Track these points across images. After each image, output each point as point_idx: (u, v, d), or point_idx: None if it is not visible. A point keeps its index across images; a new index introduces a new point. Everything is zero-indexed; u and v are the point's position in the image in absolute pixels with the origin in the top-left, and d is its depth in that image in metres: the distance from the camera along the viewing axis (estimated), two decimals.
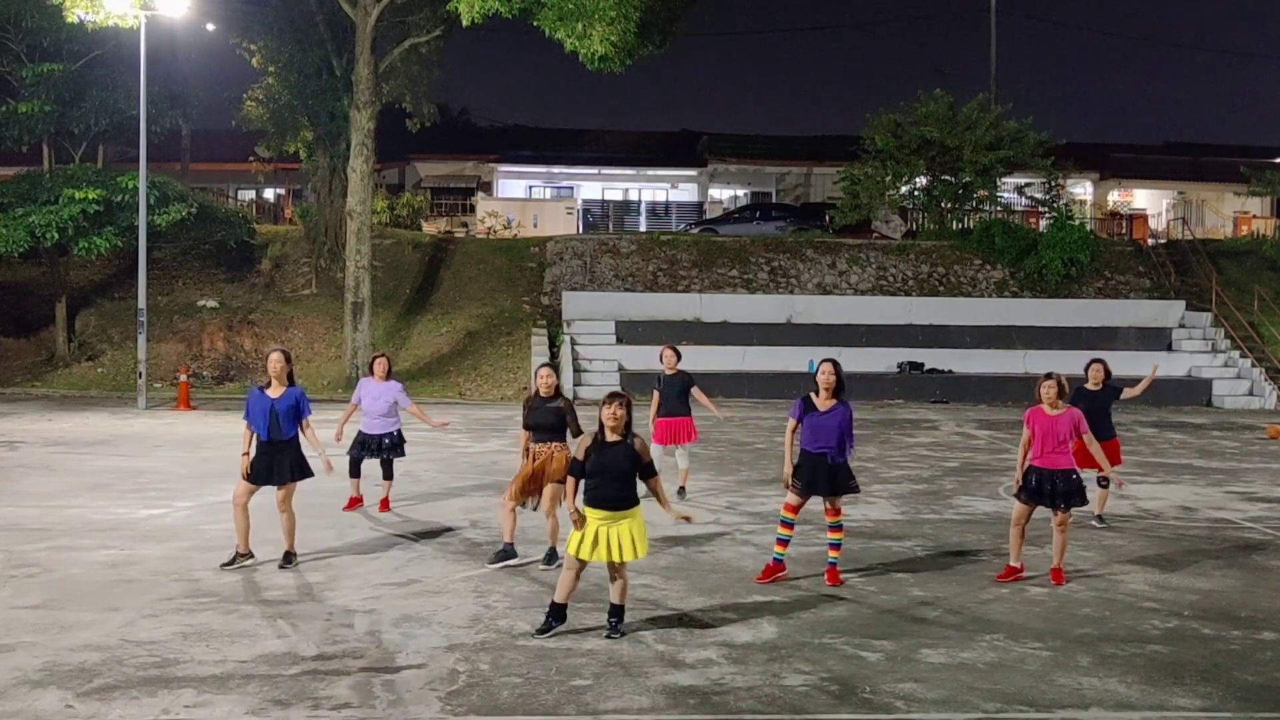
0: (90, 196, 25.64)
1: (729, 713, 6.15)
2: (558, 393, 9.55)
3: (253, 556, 9.30)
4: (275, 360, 9.33)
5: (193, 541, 10.27)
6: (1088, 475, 9.78)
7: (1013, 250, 33.33)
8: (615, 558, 7.26)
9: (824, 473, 8.91)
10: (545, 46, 36.83)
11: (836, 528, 9.07)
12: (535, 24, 24.68)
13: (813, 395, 9.04)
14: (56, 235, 25.79)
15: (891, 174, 35.77)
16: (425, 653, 7.07)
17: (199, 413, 22.46)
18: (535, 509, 9.49)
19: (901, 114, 36.07)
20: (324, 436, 12.13)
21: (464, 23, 24.32)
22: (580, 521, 7.24)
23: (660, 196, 46.98)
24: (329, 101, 29.91)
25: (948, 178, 36.21)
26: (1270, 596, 8.95)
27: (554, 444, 9.32)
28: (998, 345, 30.07)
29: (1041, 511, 9.30)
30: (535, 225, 37.72)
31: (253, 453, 9.24)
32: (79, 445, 17.18)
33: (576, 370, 27.56)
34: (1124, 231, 41.67)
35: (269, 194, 44.55)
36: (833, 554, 9.10)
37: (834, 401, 8.96)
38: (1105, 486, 11.90)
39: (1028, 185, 37.09)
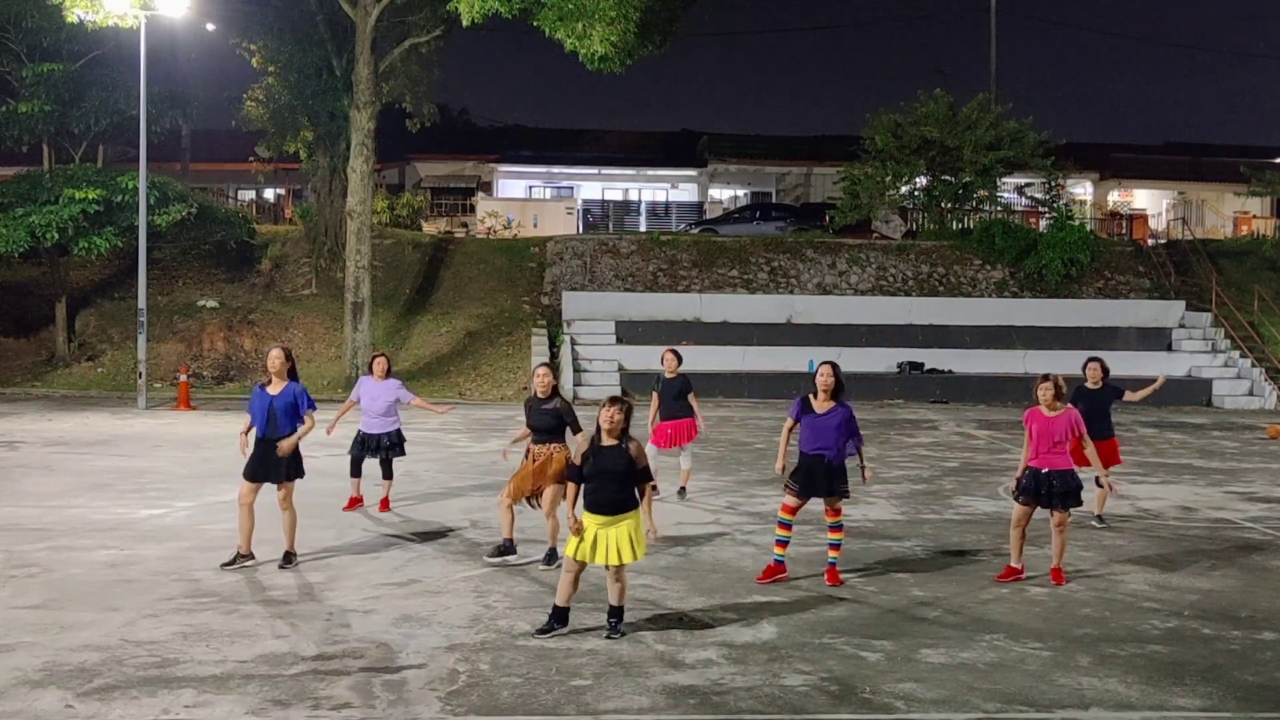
0: (90, 196, 25.64)
1: (729, 713, 6.15)
2: (555, 393, 9.52)
3: (253, 558, 9.30)
4: (274, 357, 9.34)
5: (193, 541, 10.27)
6: (1087, 475, 9.77)
7: (1013, 250, 33.34)
8: (613, 560, 7.27)
9: (821, 474, 8.91)
10: (545, 46, 36.85)
11: (836, 528, 9.07)
12: (535, 24, 24.68)
13: (811, 397, 9.05)
14: (56, 235, 25.78)
15: (891, 174, 35.77)
16: (425, 653, 7.07)
17: (199, 413, 22.46)
18: (536, 507, 9.48)
19: (901, 114, 36.07)
20: (325, 436, 12.12)
21: (464, 23, 24.32)
22: (579, 530, 7.25)
23: (660, 196, 46.99)
24: (329, 101, 29.91)
25: (948, 178, 36.21)
26: (1270, 596, 8.95)
27: (553, 445, 9.31)
28: (998, 345, 30.07)
29: (1041, 512, 9.31)
30: (535, 225, 37.72)
31: (251, 444, 9.30)
32: (79, 445, 17.18)
33: (576, 370, 27.57)
34: (1124, 231, 41.68)
35: (269, 194, 44.56)
36: (832, 554, 9.11)
37: (832, 403, 8.97)
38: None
39: (1028, 185, 37.08)
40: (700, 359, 25.32)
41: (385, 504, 11.96)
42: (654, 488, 12.80)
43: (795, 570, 9.39)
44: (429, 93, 34.70)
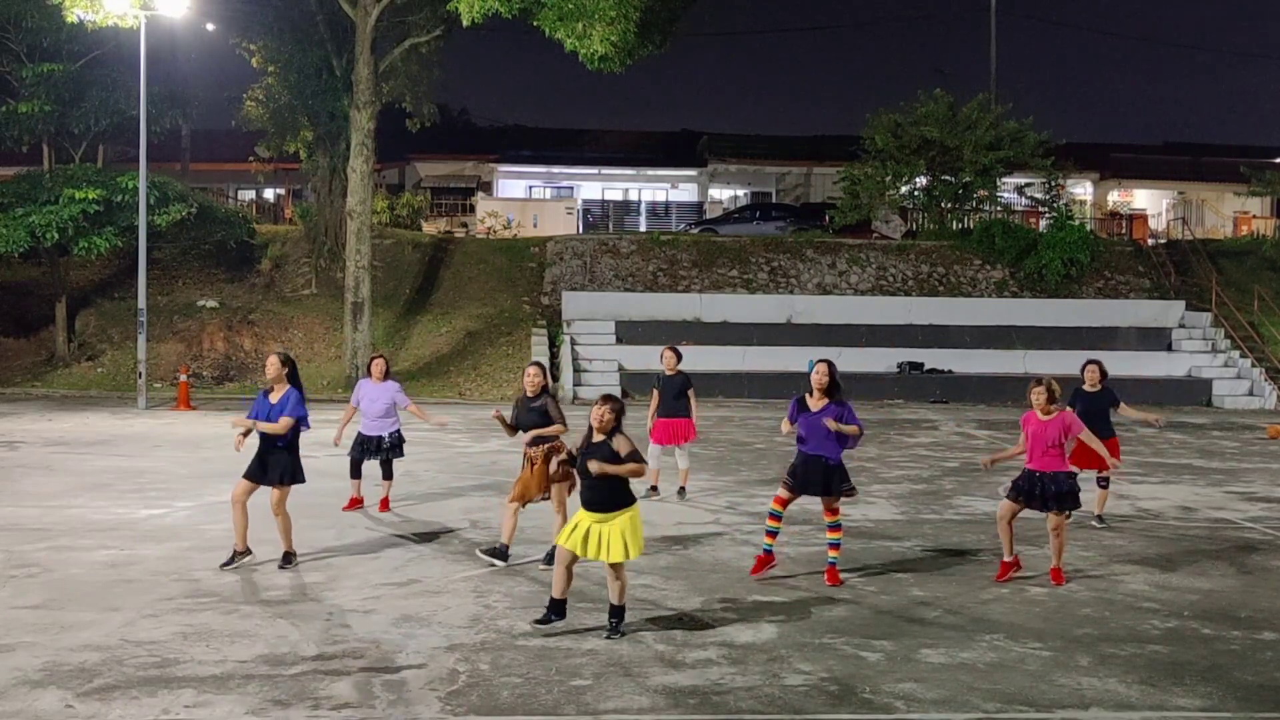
0: (90, 196, 25.64)
1: (729, 713, 6.15)
2: (543, 391, 9.55)
3: (250, 553, 9.30)
4: (270, 364, 9.37)
5: (193, 541, 10.27)
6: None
7: (1013, 250, 33.33)
8: (602, 557, 7.30)
9: (818, 473, 8.93)
10: (545, 46, 36.82)
11: (835, 528, 9.07)
12: (535, 24, 24.68)
13: (807, 396, 9.08)
14: (56, 235, 25.79)
15: (891, 174, 35.77)
16: (425, 653, 7.07)
17: (199, 413, 22.46)
18: (548, 499, 9.47)
19: (901, 114, 36.07)
20: (324, 436, 12.13)
21: (464, 23, 24.32)
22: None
23: (660, 196, 46.99)
24: (329, 101, 29.91)
25: (948, 178, 36.21)
26: (1270, 596, 8.95)
27: (547, 444, 9.32)
28: (998, 345, 30.07)
29: (1040, 512, 9.30)
30: (535, 225, 37.73)
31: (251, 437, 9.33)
32: (79, 445, 17.18)
33: (577, 370, 27.57)
34: (1124, 231, 41.68)
35: (269, 194, 44.56)
36: (832, 554, 9.11)
37: (826, 401, 8.98)
38: (1105, 487, 11.90)
39: (1028, 185, 37.08)
40: (700, 359, 25.33)
41: (385, 504, 11.96)
42: (653, 488, 12.92)
43: (795, 570, 9.39)
44: (429, 93, 34.71)
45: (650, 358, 24.00)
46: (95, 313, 29.95)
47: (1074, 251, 32.79)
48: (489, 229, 37.35)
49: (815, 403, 9.00)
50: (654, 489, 12.99)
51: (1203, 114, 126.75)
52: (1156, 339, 30.79)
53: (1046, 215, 36.47)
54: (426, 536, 10.69)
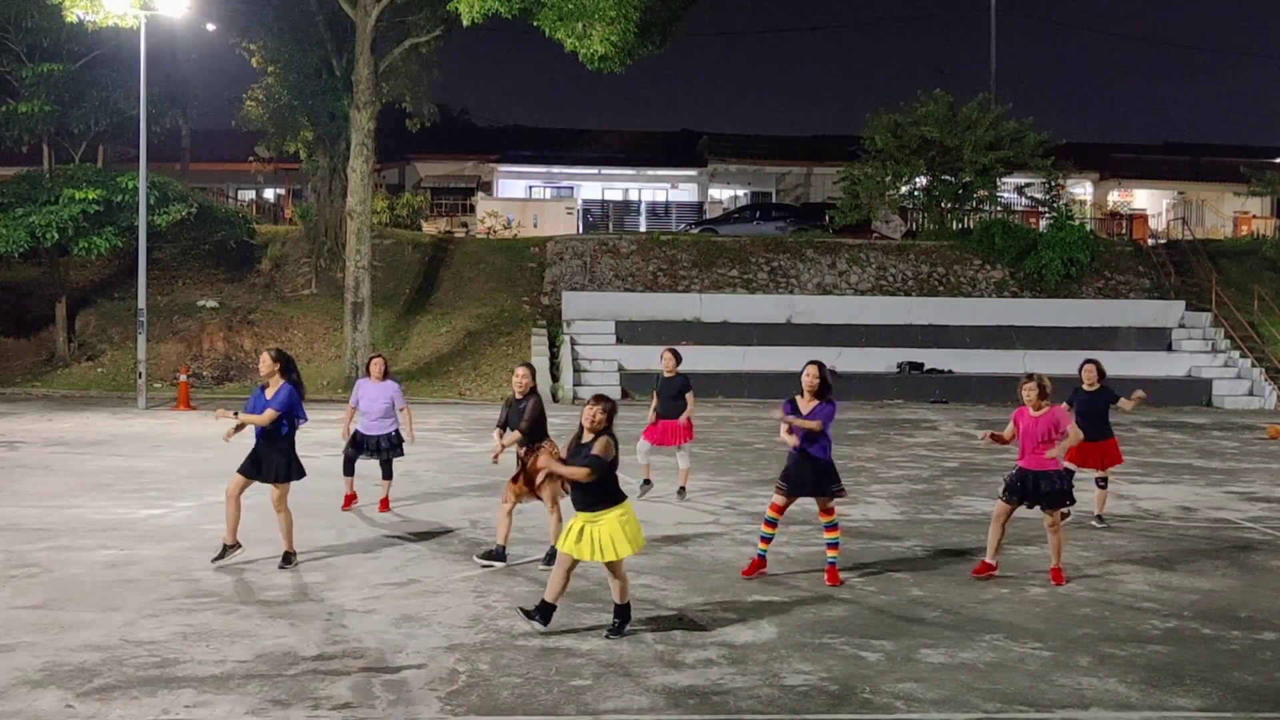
0: (90, 196, 25.65)
1: (729, 713, 6.15)
2: (531, 392, 9.56)
3: (240, 547, 9.33)
4: (262, 361, 9.38)
5: (193, 541, 10.27)
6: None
7: (1013, 250, 33.33)
8: (596, 557, 7.31)
9: (809, 473, 8.94)
10: (545, 46, 36.82)
11: (832, 527, 9.08)
12: (535, 24, 24.68)
13: (798, 397, 9.10)
14: (56, 235, 25.79)
15: (891, 174, 35.77)
16: (425, 653, 7.07)
17: (199, 413, 22.44)
18: (541, 499, 9.49)
19: (901, 114, 36.07)
20: (324, 436, 12.11)
21: (464, 23, 24.32)
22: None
23: (660, 196, 46.99)
24: (329, 101, 29.91)
25: (948, 178, 36.21)
26: (1270, 596, 8.95)
27: (537, 445, 9.33)
28: (997, 345, 30.06)
29: (1037, 512, 9.30)
30: (535, 225, 37.73)
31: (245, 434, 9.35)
32: (79, 445, 17.18)
33: (577, 370, 27.56)
34: (1124, 231, 41.68)
35: (269, 194, 44.57)
36: (831, 554, 9.11)
37: (815, 402, 9.01)
38: (1104, 487, 11.91)
39: (1028, 185, 37.08)
40: (700, 359, 25.32)
41: (385, 504, 11.96)
42: (646, 482, 12.92)
43: (795, 570, 9.39)
44: (429, 93, 34.70)
45: (650, 358, 23.99)
46: (95, 313, 29.95)
47: (1074, 251, 32.79)
48: (489, 229, 37.36)
49: (806, 404, 9.04)
50: (647, 483, 13.04)
51: (1203, 114, 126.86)
52: (1156, 339, 30.79)
53: (1046, 215, 36.48)
54: (426, 536, 10.69)
